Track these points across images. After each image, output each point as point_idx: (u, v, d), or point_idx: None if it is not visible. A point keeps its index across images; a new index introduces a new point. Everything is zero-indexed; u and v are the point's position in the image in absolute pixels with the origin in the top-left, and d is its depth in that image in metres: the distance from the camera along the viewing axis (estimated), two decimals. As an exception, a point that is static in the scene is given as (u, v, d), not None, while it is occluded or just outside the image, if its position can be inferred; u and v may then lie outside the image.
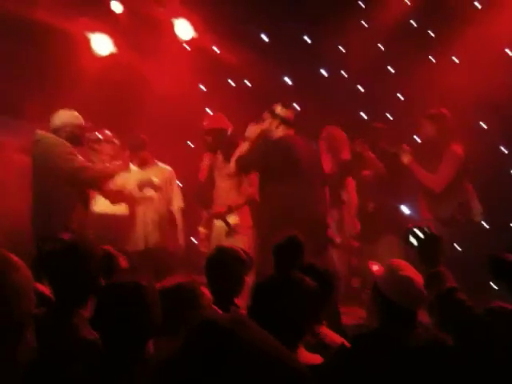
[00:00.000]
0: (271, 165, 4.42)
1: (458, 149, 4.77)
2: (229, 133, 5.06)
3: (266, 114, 4.71)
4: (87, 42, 6.47)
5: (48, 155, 4.23)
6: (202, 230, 5.35)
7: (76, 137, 4.40)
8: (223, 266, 3.04)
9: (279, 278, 2.36)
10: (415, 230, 2.98)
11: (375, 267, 2.69)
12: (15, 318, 1.21)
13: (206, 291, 2.45)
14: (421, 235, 2.93)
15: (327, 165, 5.51)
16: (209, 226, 5.19)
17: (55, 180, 4.21)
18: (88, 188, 4.46)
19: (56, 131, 4.33)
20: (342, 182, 5.53)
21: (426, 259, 2.88)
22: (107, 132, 5.05)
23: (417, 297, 2.48)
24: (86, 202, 4.46)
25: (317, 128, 6.58)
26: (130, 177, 5.45)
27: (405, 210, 5.50)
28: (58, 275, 2.49)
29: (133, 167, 5.56)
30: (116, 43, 6.66)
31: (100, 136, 4.83)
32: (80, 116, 4.50)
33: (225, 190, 4.98)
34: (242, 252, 3.22)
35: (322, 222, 4.59)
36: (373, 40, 6.52)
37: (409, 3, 6.41)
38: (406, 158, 4.85)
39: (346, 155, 5.57)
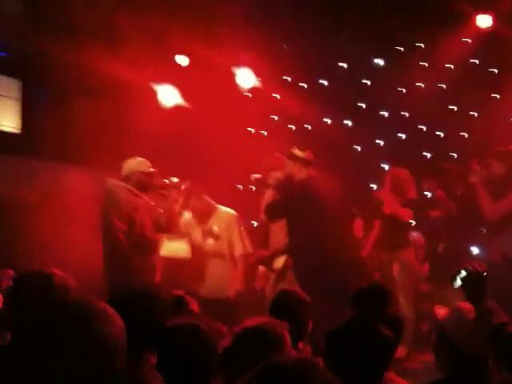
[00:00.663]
0: (296, 207, 4.46)
1: None
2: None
3: (286, 160, 4.77)
4: (154, 93, 6.81)
5: (107, 210, 4.40)
6: (261, 268, 5.36)
7: (143, 183, 4.57)
8: (287, 310, 2.98)
9: (358, 326, 2.27)
10: (460, 270, 3.06)
11: (441, 311, 2.59)
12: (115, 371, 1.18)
13: (287, 335, 2.31)
14: (464, 274, 2.98)
15: (391, 206, 5.41)
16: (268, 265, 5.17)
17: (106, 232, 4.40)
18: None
19: (125, 179, 4.53)
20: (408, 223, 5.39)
21: (470, 296, 2.89)
22: (174, 178, 5.18)
23: (486, 342, 2.38)
24: (148, 248, 4.53)
25: (377, 168, 6.54)
26: (194, 226, 5.54)
27: (475, 251, 5.30)
28: (126, 322, 2.49)
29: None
30: (181, 93, 6.96)
31: (167, 182, 4.97)
32: (147, 163, 4.69)
33: (275, 231, 4.99)
34: (304, 295, 3.19)
35: (353, 258, 4.57)
36: (434, 79, 6.47)
37: (469, 41, 6.35)
38: (473, 178, 4.72)
39: (412, 195, 5.44)
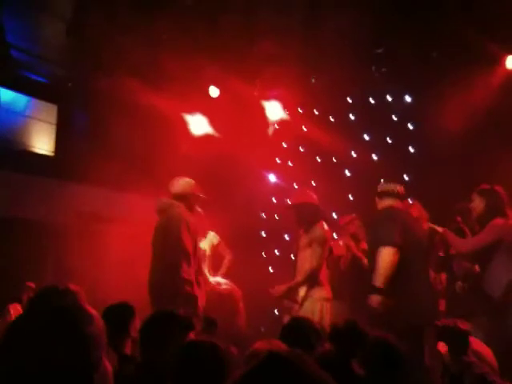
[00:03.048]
0: None
1: (499, 221, 4.52)
2: (313, 206, 5.14)
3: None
4: (185, 123, 7.01)
5: (169, 231, 4.19)
6: (285, 302, 5.42)
7: (193, 206, 4.47)
8: (297, 335, 3.03)
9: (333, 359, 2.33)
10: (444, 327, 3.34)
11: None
12: (83, 365, 1.34)
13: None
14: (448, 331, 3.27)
15: None
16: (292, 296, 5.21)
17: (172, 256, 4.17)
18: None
19: (180, 197, 4.35)
20: None
21: (453, 352, 3.16)
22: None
23: None
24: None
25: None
26: None
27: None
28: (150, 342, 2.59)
29: None
30: (211, 123, 7.16)
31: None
32: (198, 186, 4.56)
33: (301, 260, 5.05)
34: (316, 323, 3.24)
35: None
36: (461, 118, 6.53)
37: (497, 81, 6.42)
38: (439, 227, 4.77)
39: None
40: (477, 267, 4.65)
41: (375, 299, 3.94)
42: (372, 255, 4.12)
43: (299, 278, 4.89)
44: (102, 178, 6.20)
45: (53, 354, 1.31)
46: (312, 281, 4.83)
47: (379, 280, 3.93)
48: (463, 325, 3.34)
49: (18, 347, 1.32)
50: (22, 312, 3.74)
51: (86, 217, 6.61)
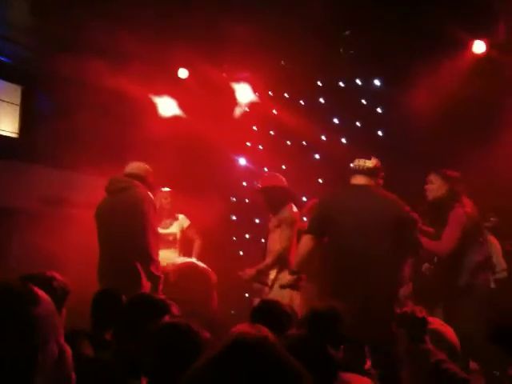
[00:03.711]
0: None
1: (459, 211, 4.54)
2: (282, 188, 5.14)
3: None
4: (154, 105, 6.92)
5: (135, 212, 4.16)
6: (256, 283, 5.45)
7: (152, 189, 4.56)
8: (268, 318, 3.00)
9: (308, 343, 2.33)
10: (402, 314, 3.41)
11: None
12: (28, 347, 1.32)
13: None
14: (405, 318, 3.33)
15: None
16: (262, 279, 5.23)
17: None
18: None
19: (143, 179, 4.37)
20: None
21: (412, 338, 3.23)
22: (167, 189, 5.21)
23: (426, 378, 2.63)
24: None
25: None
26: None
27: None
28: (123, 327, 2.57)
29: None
30: (180, 105, 7.08)
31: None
32: None
33: (271, 242, 5.09)
34: (287, 306, 3.23)
35: None
36: (428, 103, 6.60)
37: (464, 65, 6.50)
38: None
39: None
40: None
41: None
42: None
43: (268, 260, 4.92)
44: (67, 160, 6.09)
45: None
46: (282, 263, 4.86)
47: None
48: (421, 312, 3.38)
49: None
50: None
51: (51, 200, 6.48)
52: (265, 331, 1.88)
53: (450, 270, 4.54)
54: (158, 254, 4.32)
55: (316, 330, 2.73)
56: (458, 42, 6.28)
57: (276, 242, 4.97)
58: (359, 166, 4.22)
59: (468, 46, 6.31)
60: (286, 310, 3.13)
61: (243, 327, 2.27)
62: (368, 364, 3.39)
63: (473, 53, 6.31)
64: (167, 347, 2.09)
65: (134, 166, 4.47)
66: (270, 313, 3.05)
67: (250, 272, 4.97)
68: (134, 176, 4.37)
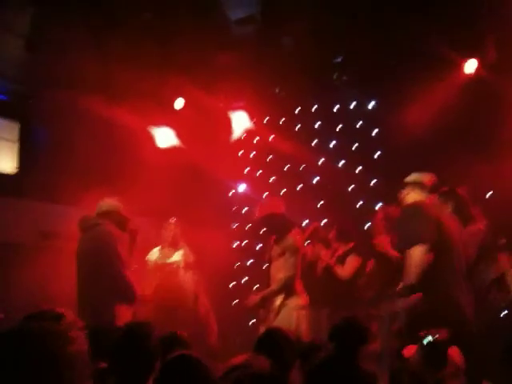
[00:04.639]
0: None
1: (469, 230, 4.38)
2: (280, 215, 5.09)
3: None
4: (151, 136, 6.97)
5: (100, 246, 4.23)
6: (261, 310, 5.42)
7: (122, 224, 4.45)
8: (272, 347, 2.98)
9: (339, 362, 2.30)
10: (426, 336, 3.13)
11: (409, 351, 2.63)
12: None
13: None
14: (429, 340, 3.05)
15: (387, 246, 5.49)
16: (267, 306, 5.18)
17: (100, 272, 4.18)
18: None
19: (107, 214, 4.37)
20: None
21: (431, 364, 2.98)
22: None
23: None
24: None
25: (370, 208, 6.66)
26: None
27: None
28: (116, 359, 2.52)
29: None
30: (177, 136, 7.13)
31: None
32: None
33: (274, 269, 5.03)
34: (291, 334, 3.20)
35: None
36: (422, 122, 6.66)
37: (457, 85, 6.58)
38: None
39: None
40: None
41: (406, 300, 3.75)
42: (401, 254, 3.96)
43: (274, 287, 4.89)
44: (65, 195, 6.10)
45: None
46: (287, 290, 4.83)
47: (411, 278, 3.74)
48: (442, 335, 3.30)
49: None
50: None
51: (50, 235, 6.47)
52: (263, 363, 1.88)
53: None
54: (130, 286, 4.24)
55: (340, 345, 2.73)
56: (450, 63, 6.36)
57: (280, 269, 4.93)
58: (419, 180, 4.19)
59: (459, 66, 6.39)
60: (290, 338, 3.11)
61: (240, 357, 2.27)
62: None
63: (464, 73, 6.38)
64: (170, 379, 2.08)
65: (102, 204, 4.49)
66: (273, 342, 3.02)
67: (254, 298, 4.94)
68: (102, 214, 4.39)
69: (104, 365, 2.50)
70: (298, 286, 4.89)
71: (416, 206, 3.97)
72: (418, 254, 3.74)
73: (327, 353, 2.62)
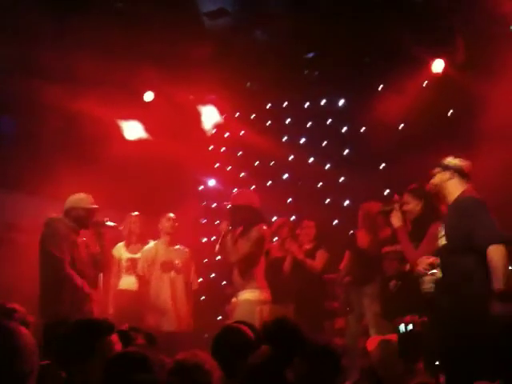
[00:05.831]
0: None
1: (438, 224, 4.41)
2: (253, 208, 5.02)
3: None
4: (119, 128, 6.87)
5: (44, 242, 4.45)
6: (227, 306, 5.40)
7: (83, 219, 4.60)
8: (226, 347, 2.95)
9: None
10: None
11: (372, 342, 2.56)
12: (15, 374, 1.43)
13: (217, 373, 2.28)
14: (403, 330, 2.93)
15: (364, 242, 5.51)
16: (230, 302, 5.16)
17: (45, 265, 4.44)
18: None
19: (66, 213, 4.58)
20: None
21: (404, 354, 2.87)
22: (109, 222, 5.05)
23: None
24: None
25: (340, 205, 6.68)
26: (156, 255, 5.66)
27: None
28: (66, 356, 2.48)
29: (159, 245, 5.75)
30: (146, 128, 7.05)
31: (108, 221, 4.91)
32: (90, 199, 4.66)
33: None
34: (249, 330, 3.14)
35: None
36: (392, 119, 6.72)
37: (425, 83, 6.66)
38: (396, 221, 4.31)
39: (385, 232, 5.44)
40: (407, 266, 4.63)
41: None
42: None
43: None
44: (32, 185, 5.99)
45: None
46: (249, 283, 4.76)
47: (501, 282, 3.32)
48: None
49: None
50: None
51: (17, 227, 6.34)
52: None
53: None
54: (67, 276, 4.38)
55: (273, 346, 2.68)
56: (419, 61, 6.43)
57: (237, 273, 4.89)
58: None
59: (428, 64, 6.47)
60: (247, 335, 3.05)
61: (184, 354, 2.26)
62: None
63: (432, 71, 6.47)
64: (119, 377, 2.04)
65: (66, 201, 4.67)
66: (228, 341, 2.98)
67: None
68: (64, 212, 4.61)
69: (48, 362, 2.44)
70: (261, 280, 4.81)
71: (479, 201, 3.60)
72: (501, 254, 3.38)
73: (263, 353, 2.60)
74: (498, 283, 3.31)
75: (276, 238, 6.25)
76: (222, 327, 3.22)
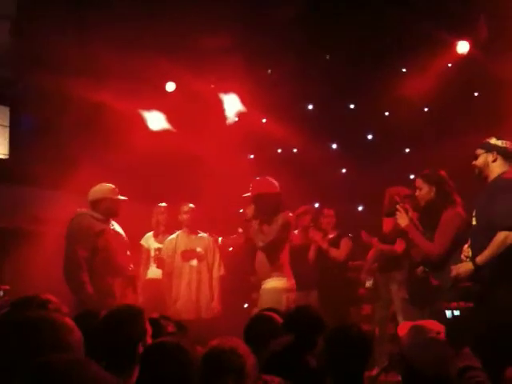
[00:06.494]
0: None
1: (451, 213, 4.20)
2: (276, 195, 4.96)
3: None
4: (142, 120, 6.91)
5: (69, 239, 4.46)
6: (253, 294, 5.41)
7: (111, 210, 4.61)
8: (258, 334, 2.91)
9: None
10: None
11: (403, 328, 2.48)
12: None
13: (251, 359, 2.25)
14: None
15: (390, 228, 5.46)
16: (257, 290, 5.15)
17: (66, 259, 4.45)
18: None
19: (93, 204, 4.56)
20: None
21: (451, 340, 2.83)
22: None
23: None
24: (114, 271, 4.54)
25: (364, 190, 6.63)
26: (176, 245, 5.68)
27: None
28: (101, 342, 2.49)
29: (180, 235, 5.78)
30: (168, 119, 7.08)
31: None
32: (116, 189, 4.67)
33: (259, 260, 4.92)
34: (280, 318, 3.16)
35: None
36: (416, 102, 6.63)
37: (449, 65, 6.54)
38: (402, 221, 4.27)
39: (413, 217, 5.34)
40: None
41: None
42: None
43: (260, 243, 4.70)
44: (56, 180, 6.08)
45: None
46: (276, 270, 4.74)
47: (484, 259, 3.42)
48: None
49: None
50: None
51: (42, 221, 6.45)
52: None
53: (438, 272, 4.41)
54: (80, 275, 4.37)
55: (295, 334, 2.69)
56: (443, 43, 6.32)
57: (263, 260, 4.84)
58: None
59: (452, 46, 6.36)
60: (277, 323, 3.08)
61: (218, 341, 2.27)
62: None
63: (457, 53, 6.35)
64: (155, 366, 2.06)
65: (91, 192, 4.66)
66: (261, 327, 2.99)
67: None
68: (90, 203, 4.62)
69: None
70: (287, 268, 4.79)
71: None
72: (504, 241, 3.40)
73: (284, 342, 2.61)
74: (481, 258, 3.45)
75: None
76: (254, 315, 3.25)
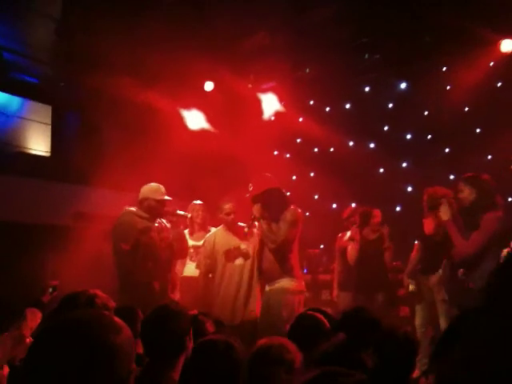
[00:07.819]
0: None
1: (490, 215, 4.17)
2: (279, 191, 4.59)
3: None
4: (181, 119, 6.98)
5: (113, 234, 4.63)
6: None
7: (154, 209, 4.69)
8: (302, 334, 2.96)
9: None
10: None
11: None
12: (116, 377, 1.29)
13: (298, 356, 2.28)
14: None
15: (430, 228, 5.39)
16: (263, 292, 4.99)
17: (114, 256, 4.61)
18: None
19: (140, 202, 4.71)
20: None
21: None
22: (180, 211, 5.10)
23: None
24: (156, 268, 4.61)
25: (402, 190, 6.55)
26: (214, 246, 5.42)
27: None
28: (148, 337, 2.53)
29: (218, 234, 5.61)
30: (207, 118, 7.14)
31: (179, 212, 5.01)
32: (161, 189, 4.72)
33: (267, 260, 4.64)
34: (323, 318, 3.15)
35: None
36: (457, 101, 6.51)
37: (491, 64, 6.40)
38: (444, 215, 4.34)
39: None
40: None
41: None
42: None
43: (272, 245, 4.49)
44: (97, 177, 6.19)
45: (75, 368, 1.22)
46: (287, 271, 4.51)
47: None
48: None
49: (38, 361, 1.25)
50: (40, 316, 3.79)
51: (84, 217, 6.59)
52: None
53: (471, 274, 4.35)
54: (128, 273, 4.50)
55: (349, 334, 2.68)
56: (486, 42, 6.19)
57: (272, 261, 4.56)
58: None
59: (496, 44, 6.22)
60: (323, 323, 3.07)
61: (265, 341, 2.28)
62: None
63: (500, 51, 6.22)
64: (205, 363, 2.10)
65: (140, 191, 4.79)
66: (305, 327, 3.01)
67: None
68: (138, 202, 4.75)
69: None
70: (297, 269, 4.62)
71: None
72: None
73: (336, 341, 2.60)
74: None
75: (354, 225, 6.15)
76: (298, 315, 3.26)
